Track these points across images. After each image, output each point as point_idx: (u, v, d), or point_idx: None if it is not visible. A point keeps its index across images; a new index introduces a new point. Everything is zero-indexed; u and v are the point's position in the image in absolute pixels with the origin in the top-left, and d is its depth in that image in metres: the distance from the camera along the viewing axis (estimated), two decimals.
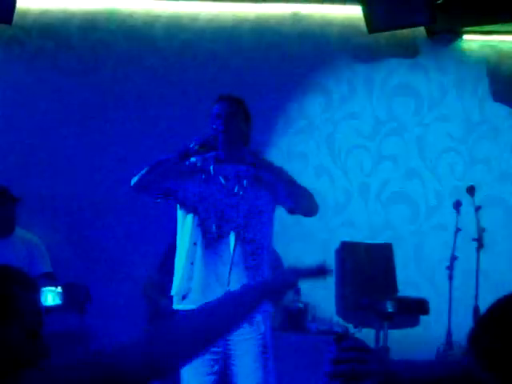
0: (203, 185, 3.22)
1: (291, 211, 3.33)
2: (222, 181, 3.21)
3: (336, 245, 5.19)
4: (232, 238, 3.20)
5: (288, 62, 5.30)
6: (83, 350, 3.92)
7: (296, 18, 5.34)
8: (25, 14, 5.17)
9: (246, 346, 3.19)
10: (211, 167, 3.25)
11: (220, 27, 5.32)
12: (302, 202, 3.26)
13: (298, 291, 4.74)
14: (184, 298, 3.22)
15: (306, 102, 5.32)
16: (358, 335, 4.81)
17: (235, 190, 3.24)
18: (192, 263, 3.21)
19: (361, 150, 5.33)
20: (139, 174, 3.20)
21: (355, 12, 5.05)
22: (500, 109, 5.34)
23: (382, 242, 5.20)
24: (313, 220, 3.75)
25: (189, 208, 3.23)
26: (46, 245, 4.59)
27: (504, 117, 5.34)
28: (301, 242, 5.08)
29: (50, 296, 2.95)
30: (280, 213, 3.41)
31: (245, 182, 3.25)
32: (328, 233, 5.19)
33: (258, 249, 3.25)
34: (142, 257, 4.99)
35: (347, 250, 5.15)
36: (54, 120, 5.26)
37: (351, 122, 5.34)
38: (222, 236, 3.20)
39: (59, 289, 2.90)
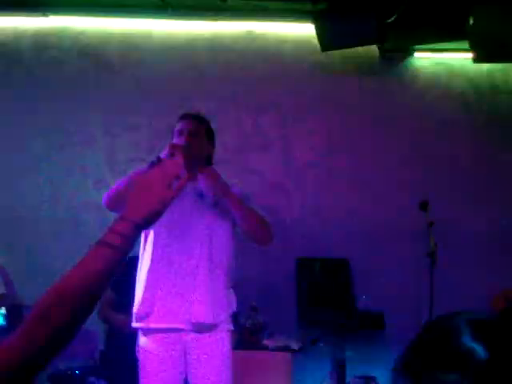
0: None
1: (245, 236, 3.32)
2: (183, 200, 3.17)
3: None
4: (196, 256, 3.18)
5: (243, 80, 5.33)
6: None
7: (250, 37, 5.38)
8: None
9: (208, 364, 3.17)
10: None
11: (174, 45, 5.32)
12: (256, 232, 3.25)
13: (255, 308, 4.73)
14: (147, 316, 3.18)
15: (261, 119, 5.35)
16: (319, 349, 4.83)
17: (196, 209, 3.22)
18: (155, 282, 3.17)
19: (316, 166, 5.38)
20: (110, 190, 3.15)
21: (308, 31, 5.12)
22: None
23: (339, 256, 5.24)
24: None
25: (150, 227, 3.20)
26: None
27: None
28: (257, 258, 5.08)
29: None
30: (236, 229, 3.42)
31: (205, 199, 3.22)
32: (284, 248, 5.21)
33: (221, 267, 3.24)
34: None
35: (303, 266, 5.17)
36: (9, 140, 5.20)
37: (306, 139, 5.38)
38: (185, 255, 3.18)
39: (3, 310, 2.82)
